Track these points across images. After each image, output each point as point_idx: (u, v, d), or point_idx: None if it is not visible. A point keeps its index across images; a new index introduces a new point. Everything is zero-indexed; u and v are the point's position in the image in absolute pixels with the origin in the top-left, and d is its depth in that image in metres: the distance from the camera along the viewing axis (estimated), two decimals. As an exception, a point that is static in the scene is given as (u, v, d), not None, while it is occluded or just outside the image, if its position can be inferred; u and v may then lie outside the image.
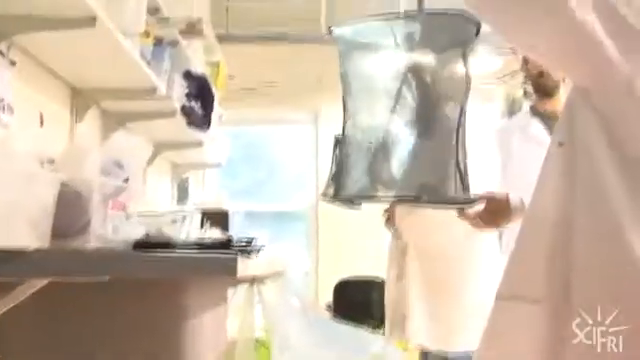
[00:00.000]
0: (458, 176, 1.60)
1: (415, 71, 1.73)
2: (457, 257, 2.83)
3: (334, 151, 3.27)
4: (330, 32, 1.69)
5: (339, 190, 1.68)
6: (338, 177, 1.71)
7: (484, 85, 4.69)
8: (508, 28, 1.30)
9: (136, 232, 1.55)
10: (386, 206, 2.95)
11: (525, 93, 5.01)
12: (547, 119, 2.45)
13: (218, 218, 3.47)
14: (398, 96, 1.73)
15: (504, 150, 2.68)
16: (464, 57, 1.61)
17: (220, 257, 1.51)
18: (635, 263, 1.18)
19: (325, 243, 5.51)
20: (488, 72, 4.71)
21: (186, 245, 1.59)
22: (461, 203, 1.69)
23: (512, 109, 4.87)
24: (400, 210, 2.87)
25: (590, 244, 1.23)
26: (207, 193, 5.13)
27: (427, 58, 1.70)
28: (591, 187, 1.26)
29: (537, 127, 2.52)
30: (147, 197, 3.26)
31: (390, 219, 2.97)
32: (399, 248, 2.92)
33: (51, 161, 1.43)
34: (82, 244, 1.37)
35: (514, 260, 1.32)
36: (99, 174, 1.39)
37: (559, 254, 1.27)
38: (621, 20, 1.23)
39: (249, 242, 1.71)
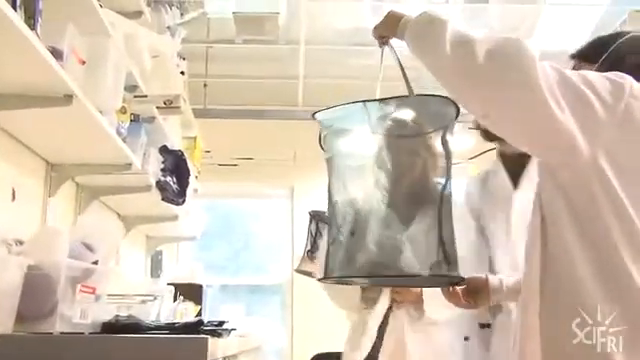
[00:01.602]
0: (442, 254, 1.60)
1: (393, 151, 1.75)
2: None
3: (309, 227, 3.26)
4: (313, 117, 1.72)
5: (328, 272, 1.66)
6: (327, 258, 1.69)
7: (457, 163, 4.76)
8: (480, 111, 1.32)
9: (105, 315, 1.53)
10: None
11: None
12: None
13: (192, 292, 3.44)
14: (378, 176, 1.75)
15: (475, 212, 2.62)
16: (443, 137, 1.64)
17: (190, 340, 1.49)
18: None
19: (300, 316, 5.45)
20: (461, 150, 4.78)
21: (156, 327, 1.57)
22: (447, 282, 1.70)
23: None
24: None
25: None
26: (181, 266, 5.07)
27: (405, 138, 1.72)
28: (559, 263, 1.29)
29: (493, 183, 2.49)
30: (120, 270, 3.22)
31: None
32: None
33: (20, 242, 1.42)
34: (49, 328, 1.35)
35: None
36: (68, 257, 1.38)
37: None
38: (583, 97, 1.27)
39: (220, 324, 1.69)
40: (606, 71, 1.35)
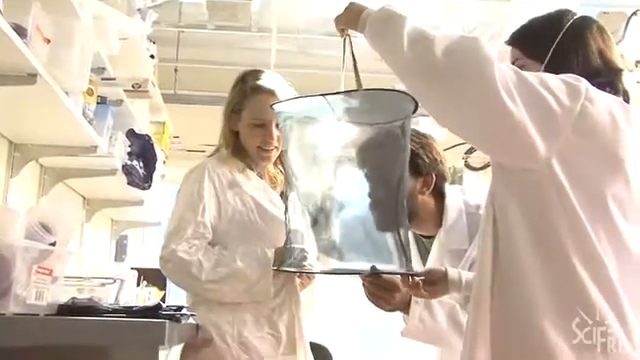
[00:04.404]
0: (400, 248, 1.61)
1: (353, 144, 1.76)
2: None
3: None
4: (272, 108, 1.72)
5: (283, 262, 1.67)
6: (285, 248, 1.70)
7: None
8: (437, 108, 1.33)
9: (62, 297, 1.52)
10: None
11: (466, 163, 5.11)
12: None
13: (156, 277, 3.41)
14: (337, 169, 1.75)
15: None
16: (402, 131, 1.65)
17: (147, 324, 1.48)
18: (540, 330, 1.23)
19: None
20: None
21: (114, 310, 1.56)
22: (405, 275, 1.72)
23: (453, 179, 4.97)
24: None
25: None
26: (146, 251, 5.04)
27: (365, 131, 1.73)
28: (509, 261, 1.31)
29: None
30: (81, 253, 3.19)
31: None
32: None
33: (-25, 222, 1.39)
34: (2, 309, 1.33)
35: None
36: (24, 238, 1.36)
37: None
38: (540, 97, 1.28)
39: (179, 308, 1.69)
40: (553, 71, 1.37)
